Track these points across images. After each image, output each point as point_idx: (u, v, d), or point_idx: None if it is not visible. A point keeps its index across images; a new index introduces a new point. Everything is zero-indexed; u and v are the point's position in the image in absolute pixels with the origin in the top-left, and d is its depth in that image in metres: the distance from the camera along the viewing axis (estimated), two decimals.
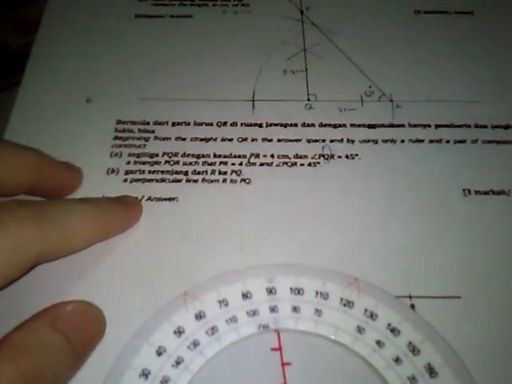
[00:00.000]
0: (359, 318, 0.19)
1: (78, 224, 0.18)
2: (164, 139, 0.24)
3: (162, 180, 0.23)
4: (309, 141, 0.24)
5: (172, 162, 0.23)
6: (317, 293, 0.19)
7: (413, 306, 0.19)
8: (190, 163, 0.23)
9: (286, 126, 0.24)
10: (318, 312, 0.19)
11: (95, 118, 0.24)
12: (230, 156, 0.23)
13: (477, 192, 0.22)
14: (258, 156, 0.23)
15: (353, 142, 0.24)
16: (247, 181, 0.23)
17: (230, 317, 0.19)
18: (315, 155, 0.23)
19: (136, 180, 0.23)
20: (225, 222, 0.21)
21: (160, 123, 0.24)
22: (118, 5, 0.29)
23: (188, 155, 0.23)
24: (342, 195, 0.22)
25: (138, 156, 0.23)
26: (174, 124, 0.24)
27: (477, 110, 0.25)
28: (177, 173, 0.23)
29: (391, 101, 0.25)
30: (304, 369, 0.18)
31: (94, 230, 0.19)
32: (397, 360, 0.18)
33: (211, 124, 0.24)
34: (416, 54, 0.27)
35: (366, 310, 0.19)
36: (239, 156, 0.23)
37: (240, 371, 0.18)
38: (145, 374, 0.18)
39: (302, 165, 0.23)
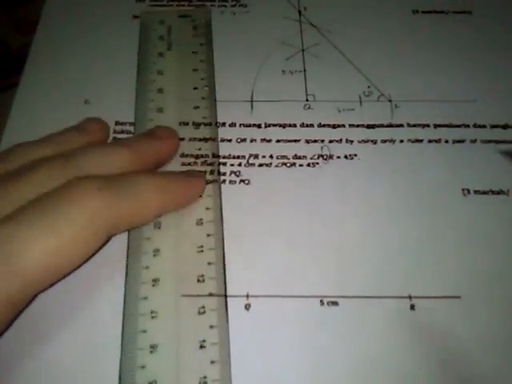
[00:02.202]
0: None
1: (147, 194, 0.19)
2: None
3: None
4: (308, 141, 0.24)
5: None
6: None
7: (413, 307, 0.19)
8: (189, 164, 0.23)
9: (284, 126, 0.24)
10: None
11: None
12: (229, 157, 0.23)
13: (476, 192, 0.22)
14: (256, 157, 0.23)
15: (352, 142, 0.24)
16: (246, 181, 0.23)
17: None
18: (314, 156, 0.23)
19: None
20: (224, 222, 0.21)
21: None
22: (116, 5, 0.29)
23: (187, 155, 0.23)
24: (341, 195, 0.22)
25: None
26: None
27: (475, 110, 0.25)
28: None
29: (390, 101, 0.25)
30: None
31: (162, 200, 0.20)
32: None
33: (210, 124, 0.24)
34: (414, 53, 0.27)
35: None
36: (238, 157, 0.23)
37: None
38: None
39: (301, 165, 0.23)
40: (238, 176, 0.23)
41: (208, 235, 0.21)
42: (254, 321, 0.19)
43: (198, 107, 0.24)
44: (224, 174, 0.23)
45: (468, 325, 0.19)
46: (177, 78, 0.25)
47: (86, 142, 0.22)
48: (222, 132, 0.24)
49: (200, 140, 0.23)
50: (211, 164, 0.23)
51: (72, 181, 0.18)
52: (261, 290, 0.20)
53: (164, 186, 0.20)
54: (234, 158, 0.23)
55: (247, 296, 0.20)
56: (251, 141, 0.24)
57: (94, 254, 0.19)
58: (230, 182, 0.23)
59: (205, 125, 0.24)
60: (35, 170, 0.19)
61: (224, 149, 0.23)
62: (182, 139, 0.23)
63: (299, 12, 0.29)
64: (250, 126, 0.24)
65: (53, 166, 0.19)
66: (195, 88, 0.25)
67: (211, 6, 0.29)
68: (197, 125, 0.24)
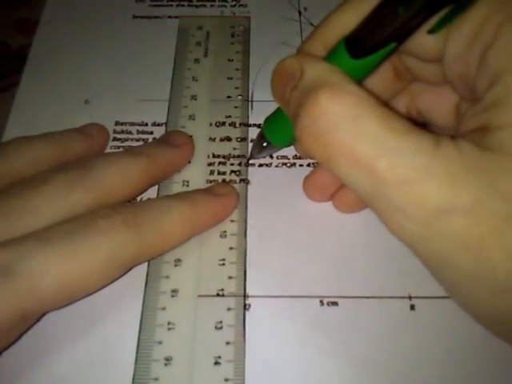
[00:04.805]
0: None
1: (173, 223, 0.19)
2: None
3: None
4: None
5: None
6: None
7: (413, 307, 0.19)
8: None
9: None
10: None
11: (93, 120, 0.24)
12: (229, 156, 0.23)
13: None
14: None
15: None
16: (246, 181, 0.23)
17: None
18: None
19: None
20: (223, 222, 0.21)
21: (158, 124, 0.24)
22: (116, 6, 0.29)
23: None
24: None
25: None
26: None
27: None
28: None
29: None
30: None
31: (189, 227, 0.20)
32: None
33: (210, 124, 0.24)
34: None
35: None
36: (238, 156, 0.23)
37: None
38: None
39: (301, 165, 0.23)
40: (238, 175, 0.23)
41: (230, 248, 0.21)
42: (253, 321, 0.19)
43: (229, 116, 0.24)
44: (224, 173, 0.23)
45: (468, 325, 0.19)
46: (211, 85, 0.25)
47: (85, 142, 0.21)
48: (222, 131, 0.24)
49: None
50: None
51: (99, 211, 0.18)
52: (261, 290, 0.20)
53: (192, 215, 0.20)
54: (234, 157, 0.23)
55: (247, 296, 0.20)
56: (251, 141, 0.24)
57: (110, 283, 0.18)
58: (231, 181, 0.23)
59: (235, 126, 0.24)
60: (52, 179, 0.18)
61: (224, 148, 0.23)
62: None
63: (299, 12, 0.29)
64: (250, 126, 0.24)
65: (70, 175, 0.19)
66: (229, 97, 0.25)
67: (211, 6, 0.29)
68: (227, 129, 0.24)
